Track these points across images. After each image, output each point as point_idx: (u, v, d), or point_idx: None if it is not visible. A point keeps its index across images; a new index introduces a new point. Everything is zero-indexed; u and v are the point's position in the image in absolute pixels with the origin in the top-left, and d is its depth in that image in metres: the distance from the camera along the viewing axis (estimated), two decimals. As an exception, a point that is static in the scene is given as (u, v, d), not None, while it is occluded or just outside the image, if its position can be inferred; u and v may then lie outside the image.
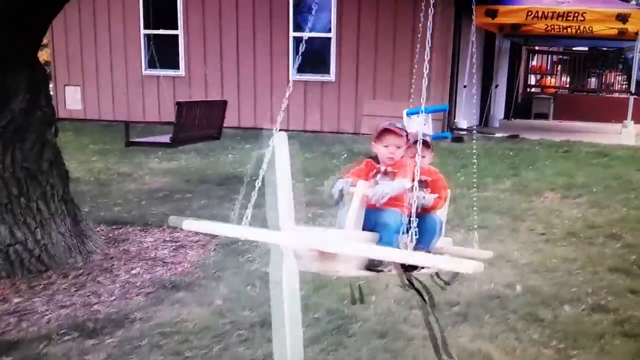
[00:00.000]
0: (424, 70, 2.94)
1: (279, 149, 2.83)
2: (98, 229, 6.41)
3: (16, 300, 4.71)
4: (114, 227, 6.63)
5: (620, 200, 7.91)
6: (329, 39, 14.88)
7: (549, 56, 24.59)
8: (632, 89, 15.17)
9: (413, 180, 2.83)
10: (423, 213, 3.12)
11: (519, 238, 6.40)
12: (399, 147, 3.18)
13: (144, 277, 5.25)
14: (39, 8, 5.25)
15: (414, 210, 2.64)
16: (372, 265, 2.92)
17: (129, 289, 4.99)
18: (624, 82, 23.39)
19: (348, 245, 2.52)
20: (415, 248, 2.84)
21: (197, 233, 6.42)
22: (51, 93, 6.28)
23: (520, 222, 6.95)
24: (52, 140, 5.69)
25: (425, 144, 3.14)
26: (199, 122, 8.96)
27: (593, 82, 24.50)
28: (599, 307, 4.64)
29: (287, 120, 15.15)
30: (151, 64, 15.70)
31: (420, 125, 13.27)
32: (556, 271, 5.43)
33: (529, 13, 14.17)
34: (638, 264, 5.58)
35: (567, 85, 24.53)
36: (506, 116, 19.10)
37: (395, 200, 2.92)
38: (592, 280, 5.19)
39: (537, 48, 23.33)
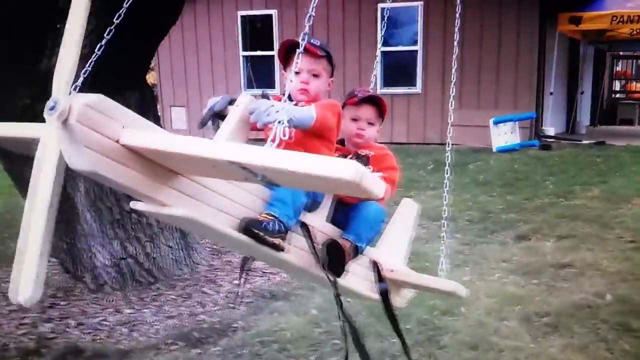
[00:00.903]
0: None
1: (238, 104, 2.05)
2: (203, 241, 6.53)
3: (128, 311, 4.85)
4: (218, 239, 6.74)
5: None
6: (415, 51, 14.76)
7: (634, 61, 23.62)
8: None
9: (346, 156, 2.19)
10: (359, 200, 2.31)
11: (608, 246, 6.14)
12: (316, 76, 2.34)
13: (246, 286, 5.31)
14: (147, 34, 5.40)
15: None
16: (255, 227, 1.89)
17: (233, 299, 5.06)
18: None
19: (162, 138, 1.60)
20: (343, 236, 2.29)
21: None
22: (158, 114, 6.44)
23: (609, 230, 6.68)
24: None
25: (378, 106, 2.53)
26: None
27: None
28: (693, 317, 4.40)
29: (377, 132, 15.13)
30: (249, 84, 15.98)
31: (508, 133, 13.06)
32: (647, 280, 5.18)
33: (614, 18, 13.65)
34: None
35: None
36: (592, 123, 18.45)
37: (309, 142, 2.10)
38: (685, 289, 4.93)
39: (621, 53, 22.45)
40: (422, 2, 14.55)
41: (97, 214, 5.18)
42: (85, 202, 5.12)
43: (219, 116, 2.08)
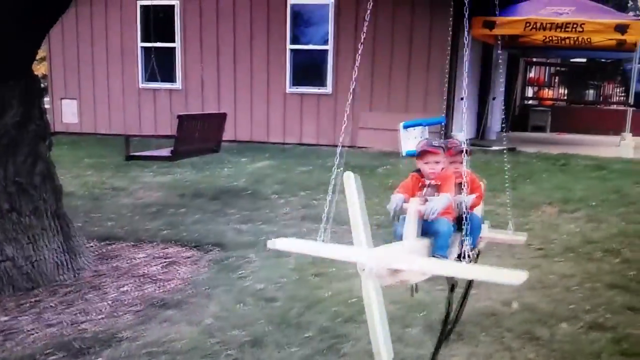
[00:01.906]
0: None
1: (348, 187, 3.26)
2: (90, 244, 6.32)
3: (2, 318, 4.62)
4: (106, 242, 6.54)
5: (618, 215, 7.82)
6: (326, 51, 14.83)
7: (547, 68, 24.57)
8: (631, 100, 15.10)
9: (459, 186, 3.50)
10: (467, 211, 3.59)
11: (516, 253, 6.30)
12: (437, 162, 3.66)
13: (133, 294, 5.16)
14: (33, 21, 5.19)
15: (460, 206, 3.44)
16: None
17: (119, 307, 4.90)
18: (622, 94, 23.36)
19: (422, 264, 3.11)
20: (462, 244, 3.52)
21: (189, 249, 6.35)
22: (46, 106, 6.21)
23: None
24: (45, 154, 5.62)
25: (462, 152, 3.76)
26: (199, 135, 8.89)
27: (591, 93, 24.47)
28: (597, 325, 4.55)
29: (283, 133, 15.13)
30: (148, 77, 15.68)
31: (417, 137, 13.31)
32: (554, 287, 5.34)
33: (527, 24, 14.08)
34: (637, 280, 5.49)
35: (565, 97, 24.50)
36: (503, 129, 19.03)
37: (443, 211, 3.41)
38: (590, 297, 5.10)
39: (534, 60, 23.30)
40: (332, 1, 14.65)
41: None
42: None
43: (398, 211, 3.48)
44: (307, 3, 14.95)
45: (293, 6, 14.93)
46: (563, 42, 15.07)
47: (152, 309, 4.84)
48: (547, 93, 24.41)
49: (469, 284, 4.25)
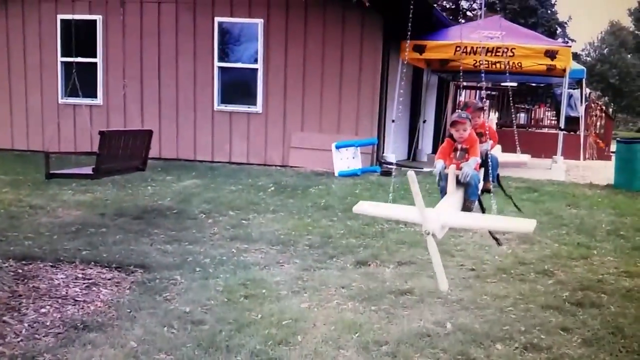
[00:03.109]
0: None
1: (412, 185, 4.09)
2: (6, 264, 6.12)
3: None
4: (23, 262, 6.34)
5: (551, 236, 8.03)
6: (256, 69, 14.86)
7: (478, 91, 25.13)
8: (562, 124, 15.59)
9: (456, 150, 5.40)
10: (487, 154, 5.61)
11: (449, 274, 6.32)
12: (465, 130, 5.26)
13: (54, 316, 5.00)
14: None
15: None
16: (466, 209, 5.41)
17: (38, 329, 4.74)
18: (553, 117, 24.10)
19: (458, 221, 5.05)
20: (485, 180, 5.76)
21: (110, 270, 6.22)
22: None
23: (450, 258, 6.96)
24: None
25: (480, 108, 6.00)
26: (123, 153, 8.72)
27: (522, 117, 25.14)
28: (532, 346, 4.63)
29: (212, 152, 15.05)
30: (68, 93, 15.37)
31: (350, 158, 13.44)
32: (487, 308, 5.42)
33: (458, 48, 14.39)
34: (570, 301, 5.62)
35: (497, 121, 25.06)
36: (434, 150, 19.36)
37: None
38: (524, 318, 5.20)
39: (465, 83, 23.81)
40: (262, 20, 14.71)
41: None
42: None
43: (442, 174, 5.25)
44: (236, 22, 14.98)
45: (221, 24, 14.94)
46: (494, 66, 15.45)
47: (74, 332, 4.70)
48: (479, 116, 24.91)
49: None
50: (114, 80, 15.39)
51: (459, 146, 5.33)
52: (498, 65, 15.13)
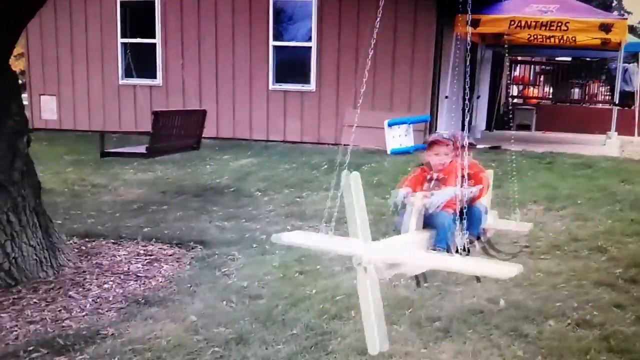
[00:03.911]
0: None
1: (348, 186, 3.08)
2: (70, 241, 6.30)
3: (-17, 315, 4.61)
4: (86, 239, 6.52)
5: (604, 213, 7.89)
6: (310, 48, 14.84)
7: (532, 66, 24.71)
8: (616, 99, 15.23)
9: (462, 178, 3.54)
10: (471, 204, 3.72)
11: (503, 250, 6.33)
12: (446, 154, 3.76)
13: (116, 291, 5.16)
14: (8, 14, 5.16)
15: (458, 205, 3.36)
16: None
17: (101, 304, 4.90)
18: (607, 93, 23.54)
19: (417, 257, 3.32)
20: (469, 235, 3.67)
21: (171, 246, 6.34)
22: (25, 102, 6.17)
23: (503, 235, 6.87)
24: (24, 150, 5.58)
25: (470, 145, 3.87)
26: (177, 132, 8.85)
27: (576, 92, 24.63)
28: (584, 322, 4.60)
29: (267, 131, 15.12)
30: (128, 73, 15.62)
31: (402, 135, 13.37)
32: (540, 285, 5.38)
33: (512, 22, 14.16)
34: (623, 277, 5.55)
35: (550, 96, 24.65)
36: (488, 127, 19.13)
37: (446, 204, 3.48)
38: (577, 295, 5.15)
39: (519, 58, 23.43)
40: (316, -3, 14.68)
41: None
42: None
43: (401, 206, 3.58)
44: (290, 0, 14.96)
45: (275, 2, 14.92)
46: (548, 40, 15.13)
47: (135, 306, 4.83)
48: (532, 92, 24.56)
49: None
50: (173, 60, 15.53)
51: (435, 175, 3.76)
52: (552, 39, 14.81)
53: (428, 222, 3.56)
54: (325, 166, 10.90)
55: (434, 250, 3.49)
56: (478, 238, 3.91)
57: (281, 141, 14.91)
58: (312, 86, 14.92)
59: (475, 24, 14.30)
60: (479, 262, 3.19)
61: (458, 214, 3.48)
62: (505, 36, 15.35)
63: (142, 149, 8.49)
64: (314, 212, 7.67)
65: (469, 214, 3.57)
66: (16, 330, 4.38)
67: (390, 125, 13.39)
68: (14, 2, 5.17)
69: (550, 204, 8.37)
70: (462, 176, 3.44)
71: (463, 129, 16.59)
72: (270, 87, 15.12)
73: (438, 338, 4.34)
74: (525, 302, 5.00)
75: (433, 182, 3.73)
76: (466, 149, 3.46)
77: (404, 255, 3.20)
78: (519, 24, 14.16)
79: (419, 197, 3.50)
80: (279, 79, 15.14)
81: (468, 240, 3.61)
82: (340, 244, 3.20)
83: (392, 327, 4.45)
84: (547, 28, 14.20)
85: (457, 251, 3.56)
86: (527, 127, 20.20)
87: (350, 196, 3.03)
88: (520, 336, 4.41)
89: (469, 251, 3.62)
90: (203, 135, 9.61)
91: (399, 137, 13.47)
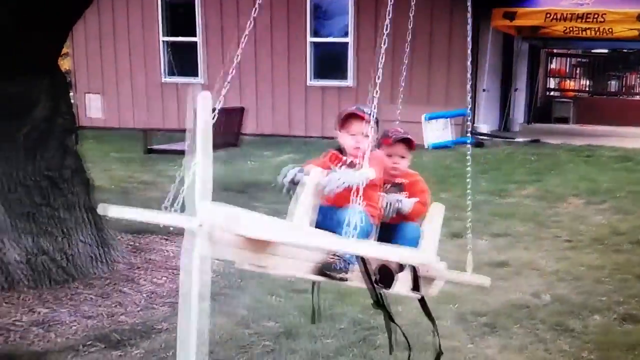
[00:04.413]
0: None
1: (201, 109, 2.24)
2: (121, 237, 6.40)
3: (43, 310, 4.70)
4: (137, 235, 6.61)
5: (646, 206, 7.80)
6: (347, 43, 14.84)
7: (569, 59, 24.37)
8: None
9: (384, 185, 2.87)
10: (399, 220, 2.93)
11: (544, 245, 6.32)
12: (367, 136, 2.77)
13: (169, 286, 5.23)
14: (58, 14, 5.24)
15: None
16: (327, 269, 2.46)
17: (154, 299, 4.97)
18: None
19: (277, 230, 2.19)
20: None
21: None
22: (72, 101, 6.29)
23: (545, 229, 6.87)
24: (73, 147, 5.67)
25: (408, 143, 3.15)
26: (217, 129, 8.91)
27: (614, 84, 24.24)
28: (630, 317, 4.56)
29: (305, 127, 15.15)
30: (170, 72, 15.77)
31: (440, 130, 13.30)
32: (584, 279, 5.35)
33: (548, 15, 14.03)
34: (667, 271, 5.49)
35: (588, 89, 24.30)
36: (526, 120, 18.94)
37: (363, 201, 2.41)
38: (621, 289, 5.11)
39: (555, 51, 23.12)
40: (352, -7, 14.66)
41: (7, 206, 5.01)
42: (-6, 195, 4.96)
43: (293, 183, 2.67)
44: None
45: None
46: (584, 32, 14.95)
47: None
48: (570, 84, 24.23)
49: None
50: (214, 58, 15.64)
51: (349, 160, 2.81)
52: (588, 31, 14.65)
53: (333, 221, 2.53)
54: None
55: (332, 257, 2.50)
56: (402, 267, 2.76)
57: (320, 137, 14.94)
58: (349, 81, 14.92)
59: (511, 17, 14.19)
60: (394, 248, 2.27)
61: (377, 222, 2.75)
62: (542, 29, 15.22)
63: (184, 146, 8.57)
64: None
65: (397, 230, 2.86)
66: (75, 325, 4.47)
67: (428, 119, 13.34)
68: (63, 2, 5.25)
69: (591, 197, 8.29)
70: (398, 184, 2.96)
71: (502, 122, 16.51)
72: (309, 82, 15.16)
73: (484, 333, 4.34)
74: (569, 296, 4.98)
75: (345, 167, 2.80)
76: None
77: (264, 229, 2.16)
78: (555, 17, 14.03)
79: (315, 174, 2.55)
80: (316, 74, 15.17)
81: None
82: (170, 217, 2.30)
83: (438, 322, 4.45)
84: (584, 20, 14.04)
85: (373, 281, 2.67)
86: (565, 120, 19.96)
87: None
88: (565, 331, 4.38)
89: (389, 282, 2.72)
90: (244, 132, 9.68)
91: (438, 131, 13.40)
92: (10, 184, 4.99)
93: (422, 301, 3.12)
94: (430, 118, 13.36)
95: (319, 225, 2.53)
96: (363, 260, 2.61)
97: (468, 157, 3.07)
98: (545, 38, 17.80)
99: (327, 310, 4.68)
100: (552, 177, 9.67)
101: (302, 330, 4.36)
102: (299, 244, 2.27)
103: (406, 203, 2.93)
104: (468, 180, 3.07)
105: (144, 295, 5.03)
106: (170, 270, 5.57)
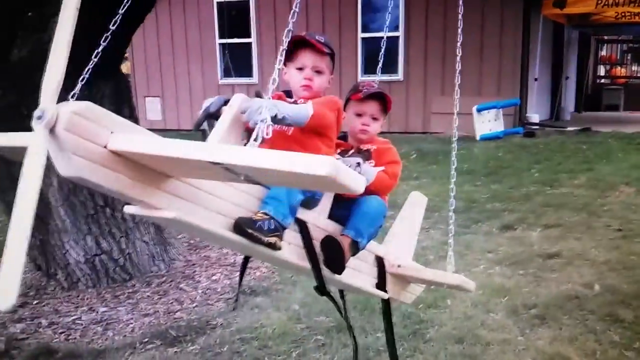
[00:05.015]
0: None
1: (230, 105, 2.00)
2: (180, 236, 6.46)
3: (102, 309, 4.79)
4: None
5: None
6: (397, 37, 14.72)
7: (619, 45, 23.72)
8: None
9: (348, 150, 2.30)
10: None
11: (596, 235, 6.15)
12: (320, 72, 2.30)
13: (224, 282, 5.27)
14: (123, 23, 5.30)
15: None
16: (248, 226, 1.90)
17: (210, 295, 5.01)
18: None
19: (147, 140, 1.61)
20: (342, 232, 2.29)
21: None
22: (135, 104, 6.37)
23: (596, 218, 6.68)
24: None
25: (382, 101, 2.52)
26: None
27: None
28: (682, 307, 4.40)
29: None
30: (226, 73, 15.89)
31: (492, 120, 13.08)
32: (635, 269, 5.18)
33: (599, 1, 13.67)
34: None
35: (639, 75, 23.62)
36: (577, 109, 18.51)
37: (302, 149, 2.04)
38: (674, 278, 4.94)
39: (606, 37, 22.54)
40: (402, -14, 14.52)
41: (71, 208, 5.11)
42: (58, 197, 5.05)
43: (213, 117, 2.08)
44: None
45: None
46: (636, 17, 14.52)
47: (242, 297, 4.91)
48: (620, 71, 23.60)
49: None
50: (268, 59, 15.69)
51: (358, 147, 2.50)
52: (640, 16, 14.24)
53: (343, 210, 2.26)
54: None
55: (258, 214, 1.95)
56: (356, 249, 2.31)
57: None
58: (399, 75, 14.81)
59: (561, 4, 13.87)
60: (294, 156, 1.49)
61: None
62: (592, 16, 14.83)
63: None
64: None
65: (355, 202, 2.30)
66: (132, 323, 4.54)
67: (479, 110, 13.13)
68: (129, 7, 5.30)
69: (643, 185, 8.05)
70: (365, 150, 2.42)
71: (553, 112, 16.15)
72: (360, 78, 15.08)
73: (534, 325, 4.24)
74: (620, 286, 4.82)
75: (351, 152, 2.44)
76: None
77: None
78: (607, 2, 13.65)
79: (237, 99, 2.03)
80: (367, 69, 15.09)
81: (344, 242, 2.23)
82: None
83: (489, 315, 4.38)
84: (636, 4, 13.66)
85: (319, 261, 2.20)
86: (615, 108, 19.45)
87: None
88: (616, 321, 4.25)
89: (339, 263, 2.24)
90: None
91: (489, 122, 13.19)
92: (75, 188, 5.07)
93: (386, 303, 2.69)
94: (481, 109, 13.15)
95: None
96: (304, 226, 2.14)
97: (453, 154, 2.75)
98: (595, 25, 17.36)
99: (376, 304, 4.64)
100: (604, 166, 9.41)
101: (353, 324, 4.30)
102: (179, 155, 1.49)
103: (368, 170, 2.35)
104: (453, 173, 2.75)
105: (200, 291, 5.08)
106: (225, 267, 5.61)
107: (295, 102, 2.21)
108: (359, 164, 2.31)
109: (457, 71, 2.59)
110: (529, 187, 8.11)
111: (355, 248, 2.30)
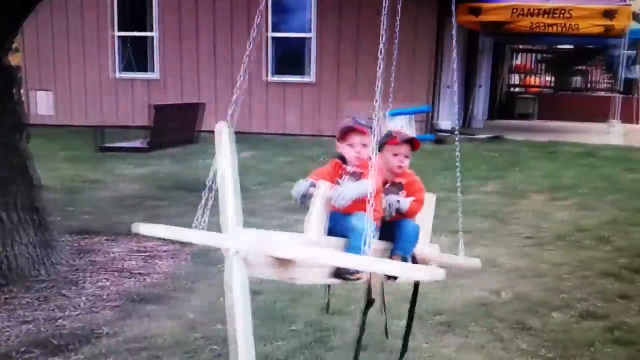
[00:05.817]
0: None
1: (219, 143, 2.73)
2: (64, 239, 6.22)
3: (-26, 316, 4.54)
4: (81, 236, 6.44)
5: (608, 202, 7.84)
6: (309, 39, 14.76)
7: (533, 55, 24.60)
8: (619, 87, 15.16)
9: (385, 184, 3.10)
10: (398, 218, 3.17)
11: (505, 242, 6.29)
12: (365, 145, 3.07)
13: (111, 289, 5.08)
14: (5, 9, 5.08)
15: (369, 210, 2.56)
16: (341, 272, 2.83)
17: (96, 302, 4.82)
18: (609, 81, 23.46)
19: (298, 250, 2.59)
20: (392, 255, 3.12)
21: (168, 243, 6.27)
22: (22, 98, 6.11)
23: (506, 226, 6.85)
24: (20, 146, 5.51)
25: (412, 143, 3.33)
26: (176, 126, 8.81)
27: (578, 80, 24.53)
28: (589, 314, 4.54)
29: (266, 123, 15.05)
30: (124, 67, 15.56)
31: (403, 126, 13.27)
32: (545, 276, 5.33)
33: (514, 10, 14.09)
34: (628, 267, 5.48)
35: (551, 85, 24.55)
36: (489, 116, 19.04)
37: (364, 204, 2.63)
38: (581, 286, 5.09)
39: (520, 47, 23.33)
40: (314, -12, 14.59)
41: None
42: None
43: (306, 197, 2.91)
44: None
45: (273, -7, 14.85)
46: (550, 28, 15.08)
47: (132, 304, 4.76)
48: (533, 80, 24.47)
49: (415, 290, 3.66)
50: (170, 53, 15.45)
51: (351, 170, 3.08)
52: (554, 27, 14.78)
53: (342, 227, 2.88)
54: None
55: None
56: (405, 261, 3.15)
57: (280, 134, 14.84)
58: (311, 77, 14.85)
59: (476, 12, 14.24)
60: (393, 264, 2.67)
61: (383, 226, 3.04)
62: (507, 24, 15.29)
63: (142, 144, 8.44)
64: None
65: (397, 227, 3.13)
66: (8, 331, 4.31)
67: (391, 115, 13.27)
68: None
69: (554, 193, 8.31)
70: (398, 183, 3.22)
71: (465, 119, 16.57)
72: (270, 79, 15.05)
73: (440, 332, 4.28)
74: (529, 293, 4.94)
75: (348, 176, 3.08)
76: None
77: (286, 249, 2.55)
78: (521, 12, 14.10)
79: (323, 187, 2.81)
80: (278, 70, 15.07)
81: (401, 257, 3.12)
82: (202, 236, 2.84)
83: (393, 320, 4.38)
84: (550, 15, 14.17)
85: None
86: (528, 116, 20.14)
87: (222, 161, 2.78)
88: (524, 329, 4.35)
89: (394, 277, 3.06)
90: (202, 129, 9.54)
91: (401, 128, 13.35)
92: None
93: (415, 286, 3.60)
94: (393, 114, 13.30)
95: (331, 231, 2.86)
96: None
97: (457, 153, 3.51)
98: (509, 34, 17.93)
99: (279, 311, 4.59)
100: (515, 174, 9.68)
101: (254, 332, 4.23)
102: (319, 262, 2.62)
103: (404, 203, 3.17)
104: (457, 166, 3.53)
105: (85, 298, 4.88)
106: (114, 272, 5.42)
107: (354, 172, 3.07)
108: (399, 201, 3.14)
109: (379, 73, 3.01)
110: (438, 193, 8.18)
111: (404, 261, 3.11)
